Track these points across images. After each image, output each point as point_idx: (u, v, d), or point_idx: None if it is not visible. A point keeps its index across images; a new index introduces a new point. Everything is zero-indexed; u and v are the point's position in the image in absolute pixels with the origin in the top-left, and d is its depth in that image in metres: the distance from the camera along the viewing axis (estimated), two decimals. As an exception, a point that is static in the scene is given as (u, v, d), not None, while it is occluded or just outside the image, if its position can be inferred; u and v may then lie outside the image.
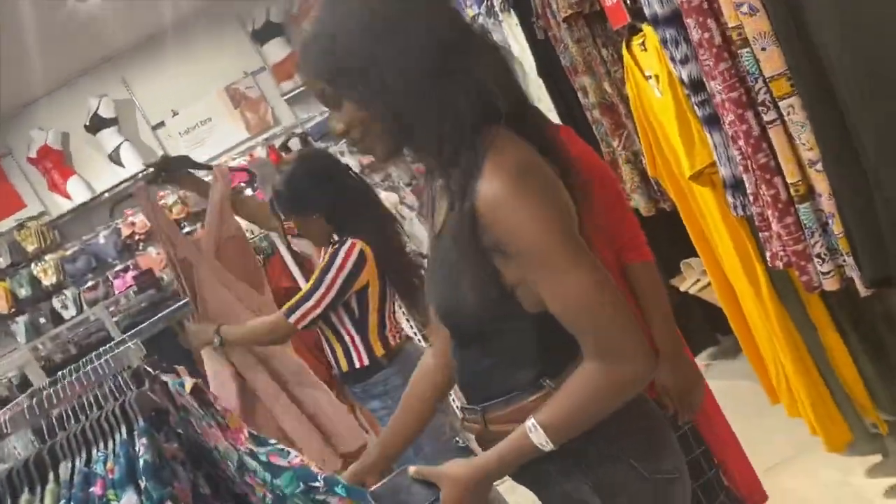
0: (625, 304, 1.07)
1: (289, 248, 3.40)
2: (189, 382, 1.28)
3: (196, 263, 2.58)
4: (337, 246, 2.30)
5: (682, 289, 3.22)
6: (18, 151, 6.12)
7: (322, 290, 2.26)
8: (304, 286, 2.33)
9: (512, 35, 3.24)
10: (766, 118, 1.62)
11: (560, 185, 1.09)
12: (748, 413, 2.15)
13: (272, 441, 1.23)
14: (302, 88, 6.04)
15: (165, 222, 2.77)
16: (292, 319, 2.27)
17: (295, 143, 5.79)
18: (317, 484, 1.18)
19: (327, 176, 2.37)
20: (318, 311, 2.27)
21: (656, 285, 1.69)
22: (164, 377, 1.27)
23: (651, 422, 1.21)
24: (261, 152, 5.99)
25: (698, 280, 3.16)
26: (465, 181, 1.06)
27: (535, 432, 1.07)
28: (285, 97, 6.20)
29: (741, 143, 1.72)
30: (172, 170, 2.66)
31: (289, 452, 1.20)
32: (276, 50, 6.14)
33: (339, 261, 2.26)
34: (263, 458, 1.19)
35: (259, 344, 2.49)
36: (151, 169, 2.69)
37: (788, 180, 1.64)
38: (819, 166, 1.54)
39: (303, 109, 6.22)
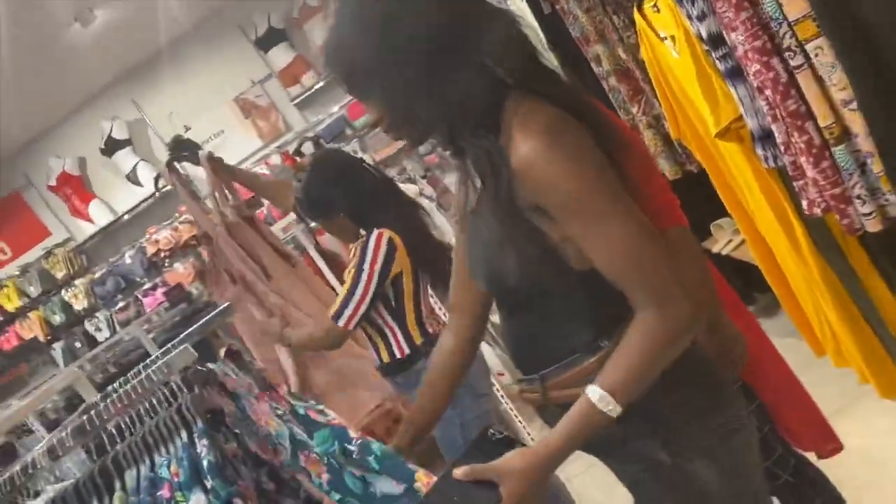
0: (667, 247, 1.06)
1: (317, 247, 3.42)
2: (223, 349, 1.30)
3: (216, 237, 2.75)
4: (364, 239, 2.30)
5: (714, 250, 3.18)
6: (38, 181, 6.19)
7: (363, 285, 2.25)
8: (342, 288, 2.32)
9: (518, 12, 3.22)
10: (792, 63, 1.59)
11: (592, 141, 1.08)
12: (794, 368, 2.13)
13: (312, 401, 1.23)
14: (310, 92, 6.06)
15: (191, 195, 2.99)
16: (342, 323, 2.26)
17: (308, 147, 5.81)
18: (352, 448, 1.18)
19: (344, 175, 2.38)
20: (365, 306, 2.26)
21: (694, 249, 1.67)
22: (210, 365, 1.27)
23: (707, 368, 1.20)
24: (276, 159, 6.00)
25: (730, 241, 3.13)
26: (493, 153, 1.07)
27: (600, 399, 1.04)
28: (294, 102, 6.20)
29: (768, 92, 1.69)
30: (184, 149, 2.99)
31: (328, 413, 1.21)
32: (281, 55, 6.13)
33: (370, 253, 2.26)
34: (302, 411, 1.19)
35: (317, 350, 2.61)
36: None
37: (821, 123, 1.61)
38: (853, 105, 1.51)
39: (313, 113, 6.21)
